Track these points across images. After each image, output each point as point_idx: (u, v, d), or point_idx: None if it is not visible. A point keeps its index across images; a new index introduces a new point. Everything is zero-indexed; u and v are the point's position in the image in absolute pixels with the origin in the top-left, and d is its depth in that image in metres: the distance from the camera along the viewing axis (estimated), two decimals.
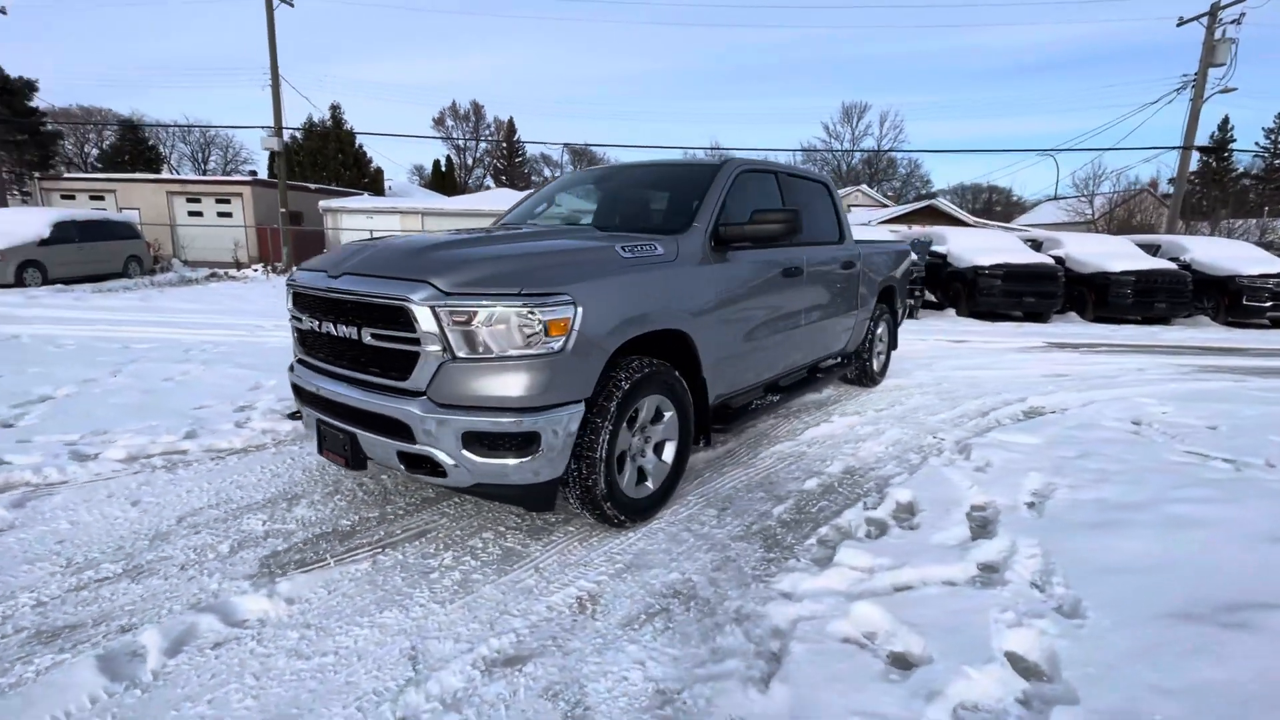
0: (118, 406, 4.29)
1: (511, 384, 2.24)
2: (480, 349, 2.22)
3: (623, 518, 2.63)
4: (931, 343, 8.50)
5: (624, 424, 2.58)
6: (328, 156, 31.29)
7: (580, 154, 55.63)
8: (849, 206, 36.71)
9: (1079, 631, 2.01)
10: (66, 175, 24.02)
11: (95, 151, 41.26)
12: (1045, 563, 2.46)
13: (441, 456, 2.27)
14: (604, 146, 63.67)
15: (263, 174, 29.81)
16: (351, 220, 24.02)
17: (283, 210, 21.42)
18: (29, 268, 12.46)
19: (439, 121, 53.69)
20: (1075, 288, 12.35)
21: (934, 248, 13.24)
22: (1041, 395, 5.29)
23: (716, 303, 3.07)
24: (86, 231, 14.00)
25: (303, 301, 2.70)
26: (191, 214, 23.16)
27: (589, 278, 2.40)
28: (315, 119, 31.83)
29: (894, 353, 6.26)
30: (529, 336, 2.24)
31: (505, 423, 2.22)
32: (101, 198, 22.68)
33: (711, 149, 59.05)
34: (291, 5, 21.16)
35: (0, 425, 3.88)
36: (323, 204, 23.75)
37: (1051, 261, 11.96)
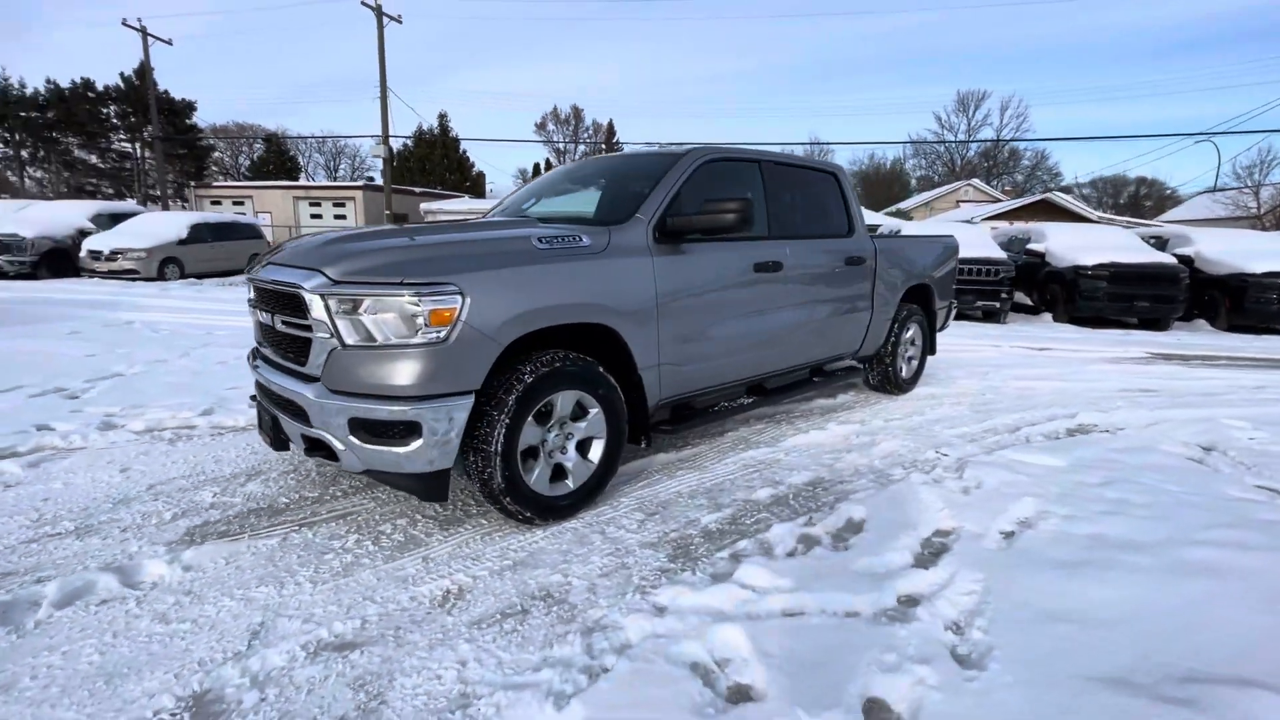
0: (166, 385, 4.81)
1: (394, 372, 2.25)
2: (365, 337, 2.26)
3: (529, 514, 2.57)
4: (1006, 349, 7.70)
5: (529, 418, 2.52)
6: (434, 162, 33.52)
7: None
8: (956, 202, 34.07)
9: (966, 685, 1.71)
10: (215, 184, 27.52)
11: (246, 162, 46.80)
12: (979, 601, 2.13)
13: (333, 441, 2.34)
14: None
15: (380, 180, 32.57)
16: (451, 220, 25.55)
17: (387, 212, 23.18)
18: (169, 264, 14.33)
19: (540, 126, 55.79)
20: (1206, 291, 10.71)
21: (1031, 245, 11.98)
22: (1101, 412, 4.61)
23: (659, 298, 2.93)
24: (217, 232, 15.88)
25: (251, 289, 2.88)
26: (313, 216, 25.72)
27: (482, 268, 2.37)
28: (424, 127, 34.22)
29: (947, 359, 5.71)
30: (412, 326, 2.24)
31: (387, 410, 2.25)
32: (241, 202, 25.75)
33: (811, 144, 57.06)
34: (399, 21, 22.83)
35: (67, 396, 4.47)
36: (424, 206, 25.41)
37: (1173, 261, 10.43)
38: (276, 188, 26.52)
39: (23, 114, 26.60)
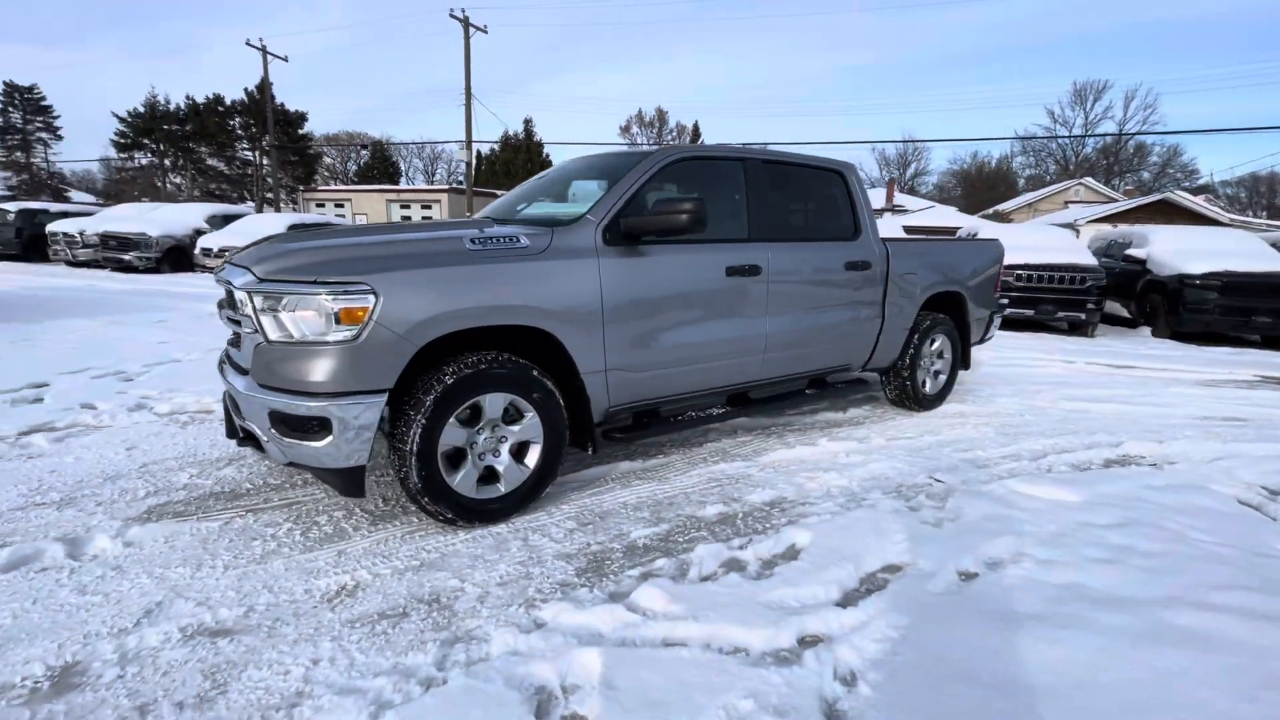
0: (209, 372, 5.24)
1: (307, 369, 2.31)
2: (285, 333, 2.32)
3: (450, 515, 2.56)
4: (1079, 366, 6.93)
5: (451, 419, 2.51)
6: (517, 166, 34.76)
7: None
8: (1064, 203, 31.15)
9: None
10: (320, 188, 29.98)
11: (354, 167, 50.58)
12: (889, 651, 1.89)
13: (259, 432, 2.43)
14: (785, 145, 61.81)
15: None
16: None
17: (468, 214, 24.26)
18: None
19: (625, 129, 56.46)
20: None
21: (1131, 250, 10.76)
22: (1158, 442, 4.02)
23: (606, 301, 2.84)
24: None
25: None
26: (403, 217, 27.42)
27: (398, 269, 2.38)
28: (510, 132, 35.60)
29: (997, 373, 5.23)
30: (325, 324, 2.29)
31: (299, 405, 2.30)
32: (342, 205, 27.93)
33: (904, 142, 54.12)
34: (485, 31, 23.83)
35: (123, 379, 4.97)
36: None
37: None
38: (372, 191, 28.55)
39: (166, 127, 30.49)
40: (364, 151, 49.13)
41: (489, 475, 2.70)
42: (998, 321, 5.23)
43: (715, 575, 2.31)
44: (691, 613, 2.04)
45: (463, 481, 2.60)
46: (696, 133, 61.91)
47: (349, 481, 2.45)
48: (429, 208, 26.74)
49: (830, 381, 4.18)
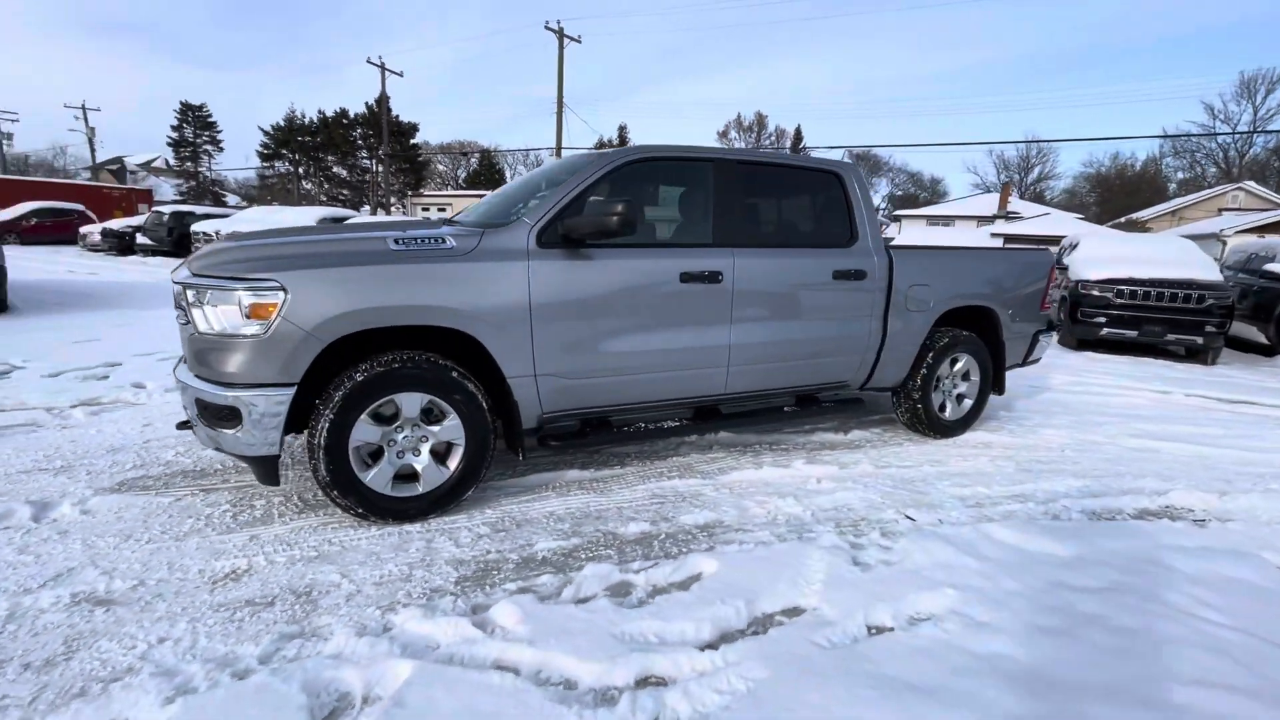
0: None
1: (221, 360, 2.43)
2: (209, 326, 2.46)
3: (360, 510, 2.61)
4: (1174, 398, 6.00)
5: (363, 416, 2.55)
6: None
7: (862, 158, 52.34)
8: (1218, 210, 27.11)
9: None
10: (424, 193, 32.19)
11: (464, 174, 53.82)
12: (723, 706, 1.68)
13: (191, 418, 2.60)
14: (889, 148, 58.61)
15: None
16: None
17: None
18: None
19: (723, 134, 56.06)
20: None
21: (1271, 266, 9.21)
22: (1221, 494, 3.38)
23: (535, 304, 2.78)
24: None
25: None
26: None
27: (309, 267, 2.45)
28: (604, 139, 36.37)
29: (1059, 400, 4.68)
30: (239, 318, 2.40)
31: (217, 394, 2.43)
32: (444, 209, 29.81)
33: (1027, 142, 49.65)
34: (579, 41, 24.52)
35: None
36: None
37: None
38: (469, 195, 30.26)
39: (300, 139, 34.22)
40: (471, 159, 52.19)
41: (411, 474, 2.72)
42: (1046, 342, 4.62)
43: (590, 598, 2.18)
44: (536, 636, 1.93)
45: (376, 478, 2.63)
46: (799, 136, 60.37)
47: (264, 469, 2.56)
48: None
49: (822, 400, 3.85)
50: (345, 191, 34.94)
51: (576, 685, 1.77)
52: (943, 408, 4.22)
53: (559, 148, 24.95)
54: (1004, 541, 2.69)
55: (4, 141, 42.51)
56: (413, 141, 33.34)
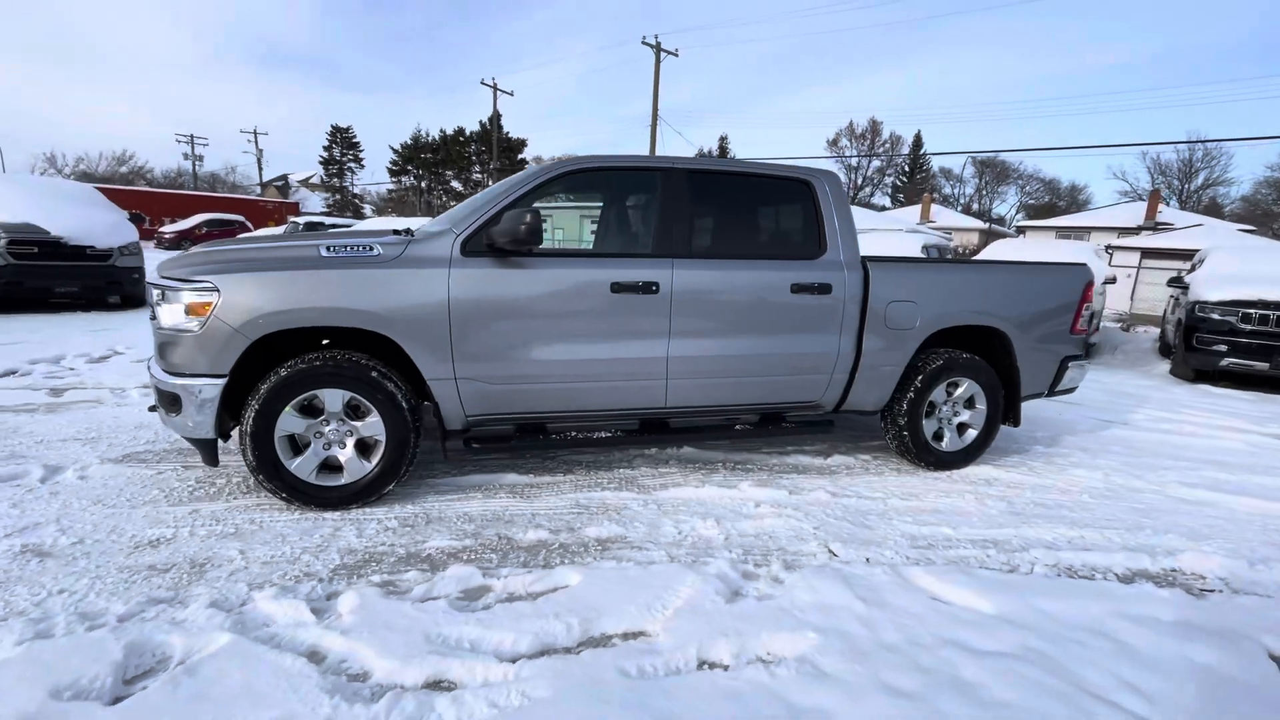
0: None
1: (171, 352, 2.75)
2: (165, 322, 2.79)
3: (284, 495, 2.83)
4: (1256, 438, 5.02)
5: (287, 408, 2.77)
6: None
7: (987, 164, 48.39)
8: None
9: None
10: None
11: None
12: (486, 718, 1.66)
13: (155, 404, 2.96)
14: (1016, 152, 53.60)
15: None
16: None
17: None
18: None
19: (833, 142, 54.13)
20: None
21: None
22: (1253, 562, 2.81)
23: (454, 310, 2.88)
24: None
25: None
26: (593, 231, 29.74)
27: (240, 271, 2.71)
28: (705, 150, 36.41)
29: (1123, 436, 4.15)
30: (182, 315, 2.71)
31: (165, 382, 2.75)
32: (545, 219, 31.22)
33: (1189, 143, 43.44)
34: (676, 55, 24.79)
35: None
36: None
37: None
38: (571, 208, 31.48)
39: (423, 155, 37.52)
40: None
41: (337, 465, 2.92)
42: (1079, 369, 4.05)
43: (436, 598, 2.22)
44: (358, 627, 2.00)
45: (300, 466, 2.85)
46: (918, 143, 57.05)
47: (205, 451, 2.85)
48: None
49: (789, 420, 3.63)
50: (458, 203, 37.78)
51: (368, 678, 1.82)
52: (939, 436, 3.83)
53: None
54: (920, 588, 2.40)
55: (197, 162, 50.43)
56: (521, 156, 35.49)
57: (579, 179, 3.19)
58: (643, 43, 23.72)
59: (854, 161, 53.39)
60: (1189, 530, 3.14)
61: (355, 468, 2.92)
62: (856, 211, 25.42)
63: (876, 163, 53.56)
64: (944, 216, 33.04)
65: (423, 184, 38.95)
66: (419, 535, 2.72)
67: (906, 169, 56.70)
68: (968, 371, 3.74)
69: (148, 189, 33.44)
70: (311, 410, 2.85)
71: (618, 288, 3.08)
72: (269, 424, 2.76)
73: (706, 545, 2.74)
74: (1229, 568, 2.74)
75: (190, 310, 2.68)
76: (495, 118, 31.47)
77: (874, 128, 52.29)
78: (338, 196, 48.97)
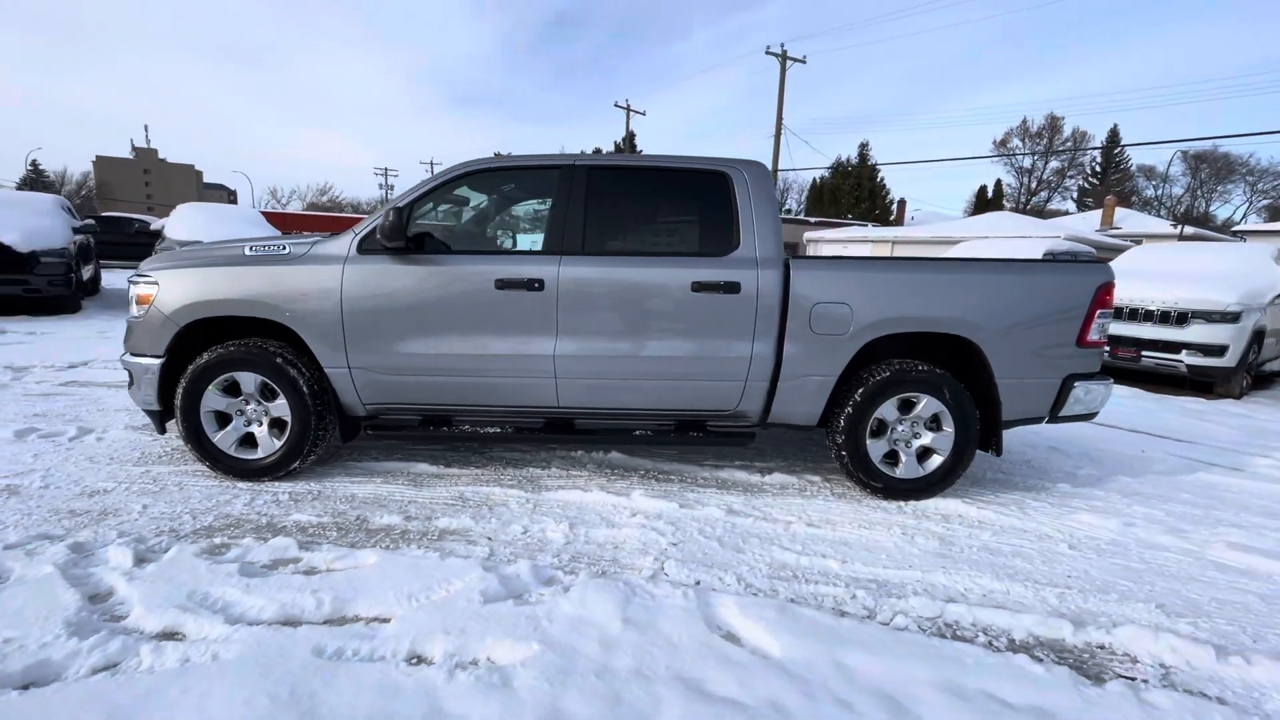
0: None
1: (127, 335, 3.27)
2: (132, 310, 3.33)
3: (207, 464, 3.23)
4: None
5: (210, 387, 3.16)
6: (844, 192, 33.65)
7: (1202, 158, 40.43)
8: None
9: None
10: None
11: None
12: (136, 665, 1.78)
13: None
14: (1241, 139, 44.07)
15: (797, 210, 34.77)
16: (830, 249, 25.56)
17: None
18: None
19: (1002, 143, 48.53)
20: None
21: None
22: (1229, 653, 2.10)
23: (346, 304, 3.09)
24: None
25: None
26: None
27: (175, 267, 3.15)
28: (844, 158, 34.67)
29: (1187, 480, 3.48)
30: (134, 305, 3.22)
31: (125, 361, 3.28)
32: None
33: None
34: (804, 62, 24.04)
35: None
36: (806, 235, 26.12)
37: None
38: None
39: None
40: None
41: (248, 440, 3.27)
42: (1092, 391, 3.27)
43: (235, 560, 2.38)
44: (142, 577, 2.24)
45: (221, 439, 3.22)
46: (1114, 138, 49.60)
47: (155, 420, 3.34)
48: None
49: (711, 429, 3.37)
50: None
51: (120, 620, 2.03)
52: (893, 460, 3.32)
53: (774, 170, 24.66)
54: (716, 620, 2.12)
55: (389, 191, 58.69)
56: None
57: (480, 179, 3.27)
58: (767, 52, 23.32)
59: (1026, 162, 47.43)
60: (1167, 603, 2.41)
61: (267, 444, 3.24)
62: (994, 217, 22.58)
63: (1055, 163, 47.08)
64: (1131, 221, 28.09)
65: None
66: (292, 509, 2.95)
67: (1096, 169, 49.24)
68: (924, 387, 3.20)
69: (327, 213, 38.52)
70: (235, 390, 3.23)
71: (502, 284, 3.11)
72: (195, 401, 3.17)
73: (539, 547, 2.65)
74: (1186, 654, 2.06)
75: (139, 300, 3.18)
76: (628, 137, 32.79)
77: (1052, 124, 46.04)
78: None
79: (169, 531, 2.67)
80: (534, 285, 3.10)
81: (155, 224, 16.17)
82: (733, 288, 3.11)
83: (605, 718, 1.65)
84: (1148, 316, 7.22)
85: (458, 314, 3.15)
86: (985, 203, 43.34)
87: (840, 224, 28.14)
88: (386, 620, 2.07)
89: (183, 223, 11.16)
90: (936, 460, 3.29)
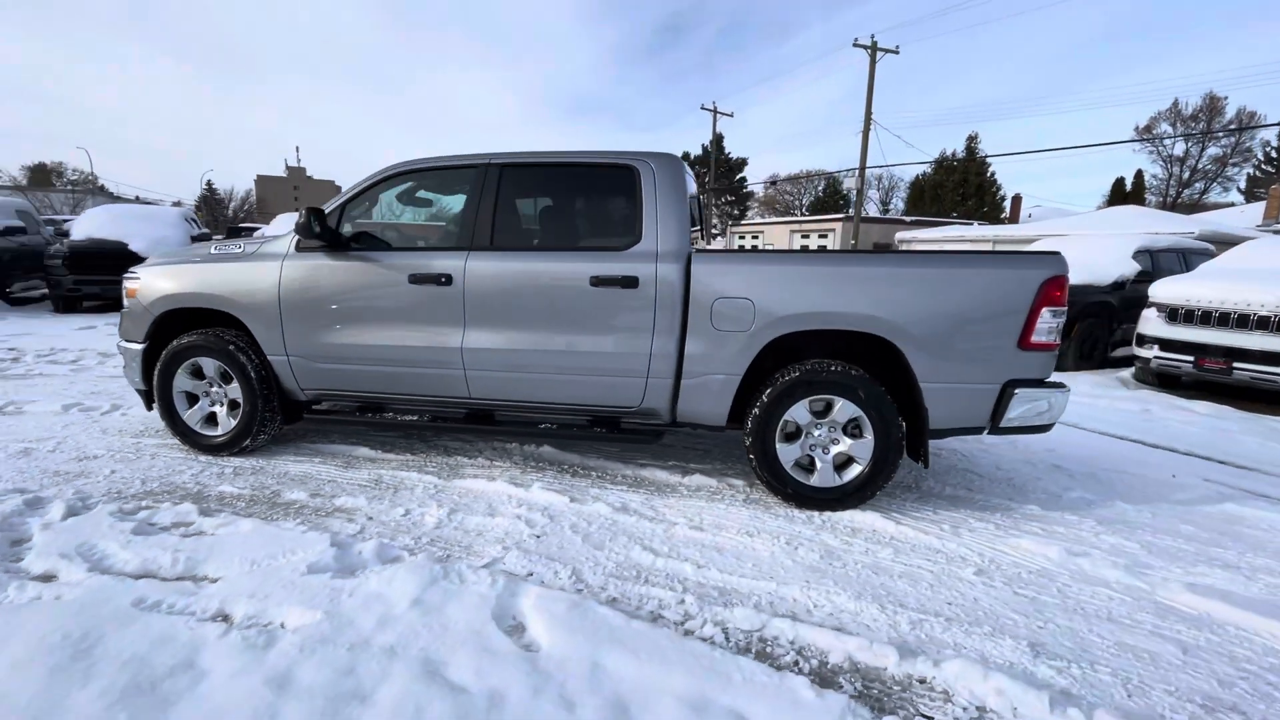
0: None
1: (121, 322, 3.77)
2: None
3: (178, 439, 3.66)
4: None
5: (179, 371, 3.58)
6: (947, 190, 31.27)
7: None
8: None
9: None
10: (743, 222, 34.05)
11: (808, 200, 54.45)
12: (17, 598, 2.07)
13: None
14: None
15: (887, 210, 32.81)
16: (923, 249, 23.98)
17: (852, 242, 23.68)
18: None
19: (1145, 129, 42.80)
20: None
21: None
22: (1057, 696, 1.80)
23: (283, 297, 3.38)
24: None
25: None
26: (802, 245, 28.57)
27: (159, 265, 3.60)
28: (949, 152, 32.21)
29: (1239, 515, 3.20)
30: (126, 297, 3.71)
31: (118, 344, 3.79)
32: (757, 236, 31.06)
33: None
34: (896, 53, 22.73)
35: None
36: (898, 235, 24.61)
37: None
38: (779, 223, 30.77)
39: None
40: (818, 184, 52.40)
41: (211, 418, 3.66)
42: (1035, 402, 2.88)
43: (139, 521, 2.68)
44: (63, 530, 2.59)
45: (190, 417, 3.64)
46: None
47: (143, 398, 3.82)
48: (825, 236, 27.20)
49: (625, 426, 3.33)
50: None
51: (18, 561, 2.37)
52: (808, 467, 3.11)
53: (861, 168, 23.48)
54: (509, 609, 2.11)
55: None
56: (741, 176, 36.01)
57: (408, 178, 3.45)
58: (855, 44, 22.23)
59: (1177, 150, 41.48)
60: (1071, 644, 2.09)
61: (226, 423, 3.62)
62: (1117, 212, 19.88)
63: (1215, 149, 40.83)
64: None
65: None
66: (225, 481, 3.27)
67: (1273, 154, 42.15)
68: (838, 389, 2.97)
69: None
70: (201, 374, 3.63)
71: (415, 279, 3.26)
72: (168, 382, 3.60)
73: (407, 529, 2.76)
74: (1016, 699, 1.78)
75: (128, 293, 3.67)
76: (716, 139, 32.55)
77: (1212, 104, 39.95)
78: None
79: (113, 493, 3.06)
80: (442, 280, 3.23)
81: (263, 231, 18.30)
82: (630, 282, 3.07)
83: (325, 685, 1.71)
84: (1243, 322, 6.15)
85: (377, 307, 3.35)
86: (1122, 197, 38.46)
87: (938, 223, 26.19)
88: (215, 581, 2.26)
89: (280, 228, 12.61)
90: (857, 470, 3.04)
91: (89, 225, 10.34)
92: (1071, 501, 3.38)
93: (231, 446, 3.61)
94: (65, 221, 14.87)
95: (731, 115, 30.91)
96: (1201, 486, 3.76)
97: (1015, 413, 2.90)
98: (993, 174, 31.63)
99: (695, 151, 39.95)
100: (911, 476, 3.62)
